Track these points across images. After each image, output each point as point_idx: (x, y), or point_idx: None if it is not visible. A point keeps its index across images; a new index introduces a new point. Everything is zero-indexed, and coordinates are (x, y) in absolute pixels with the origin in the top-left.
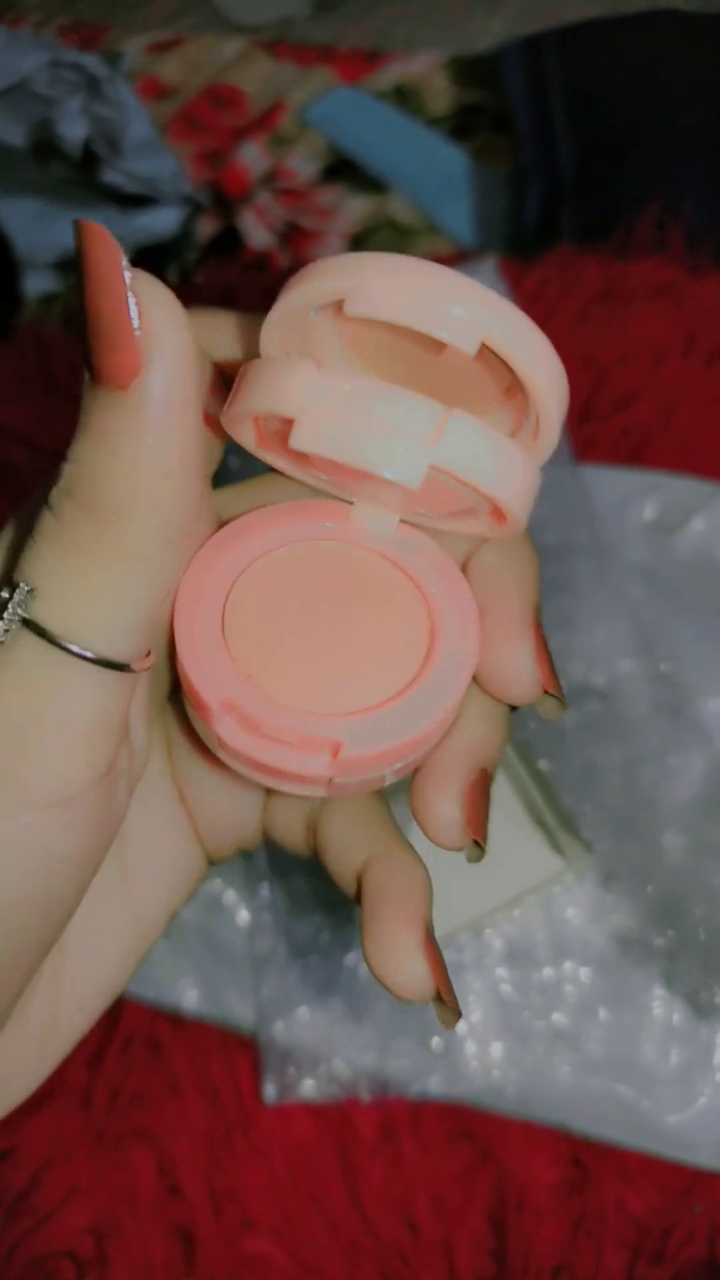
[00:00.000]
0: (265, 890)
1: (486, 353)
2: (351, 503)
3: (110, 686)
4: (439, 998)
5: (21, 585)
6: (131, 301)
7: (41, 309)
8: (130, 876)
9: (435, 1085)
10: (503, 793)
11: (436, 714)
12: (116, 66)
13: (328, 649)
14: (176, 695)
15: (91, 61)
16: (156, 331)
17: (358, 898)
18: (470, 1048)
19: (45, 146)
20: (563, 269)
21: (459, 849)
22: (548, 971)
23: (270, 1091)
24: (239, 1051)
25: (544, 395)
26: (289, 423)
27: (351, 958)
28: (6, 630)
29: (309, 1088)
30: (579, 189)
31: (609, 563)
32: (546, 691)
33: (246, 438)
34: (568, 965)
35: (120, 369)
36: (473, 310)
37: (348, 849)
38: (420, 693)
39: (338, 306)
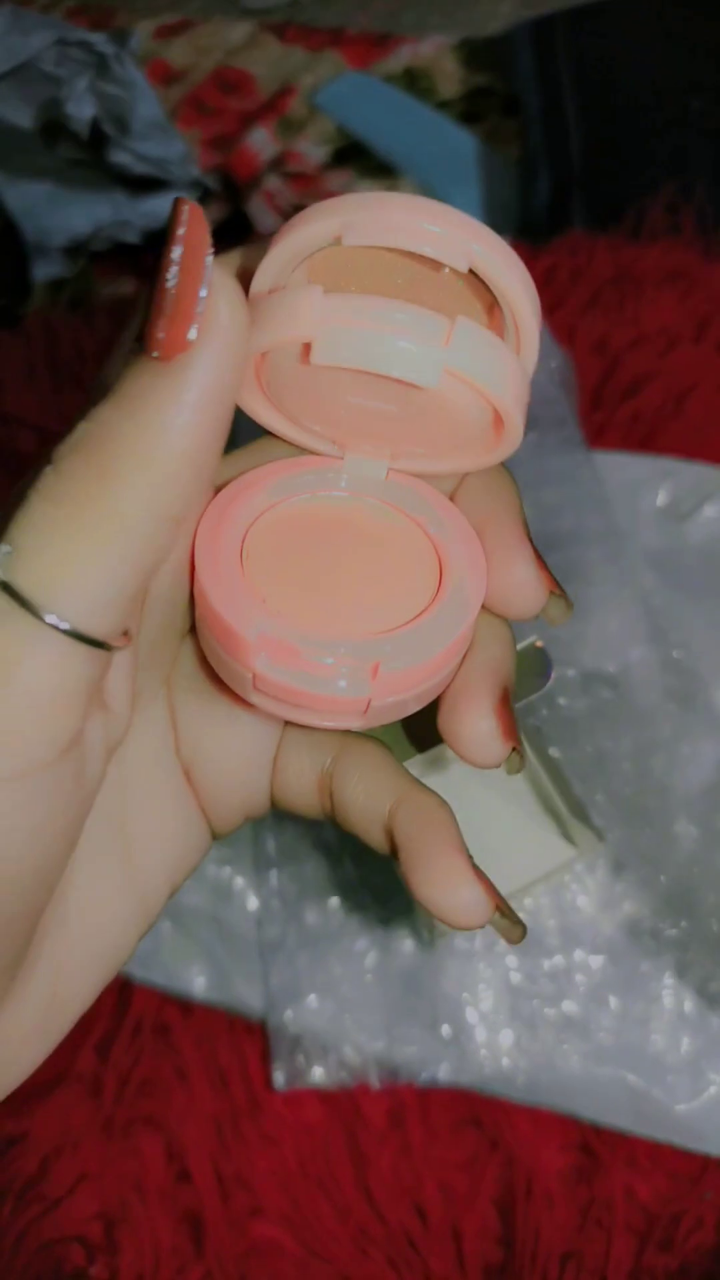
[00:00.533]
0: (274, 877)
1: (467, 278)
2: (341, 456)
3: (82, 661)
4: (500, 913)
5: (3, 545)
6: (205, 282)
7: (50, 294)
8: (131, 851)
9: (445, 1072)
10: (513, 780)
11: (461, 626)
12: (124, 45)
13: (346, 584)
14: (181, 665)
15: (99, 40)
16: (219, 319)
17: (390, 849)
18: (480, 1035)
19: (53, 127)
20: (573, 254)
21: (498, 764)
22: (558, 960)
23: (279, 1078)
24: (247, 1038)
25: (525, 309)
26: (300, 351)
27: (361, 944)
28: None
29: (318, 1074)
30: (589, 172)
31: (620, 549)
32: (552, 593)
33: (247, 395)
34: (578, 954)
35: (172, 341)
36: (459, 231)
37: (370, 800)
38: (441, 611)
39: (323, 252)
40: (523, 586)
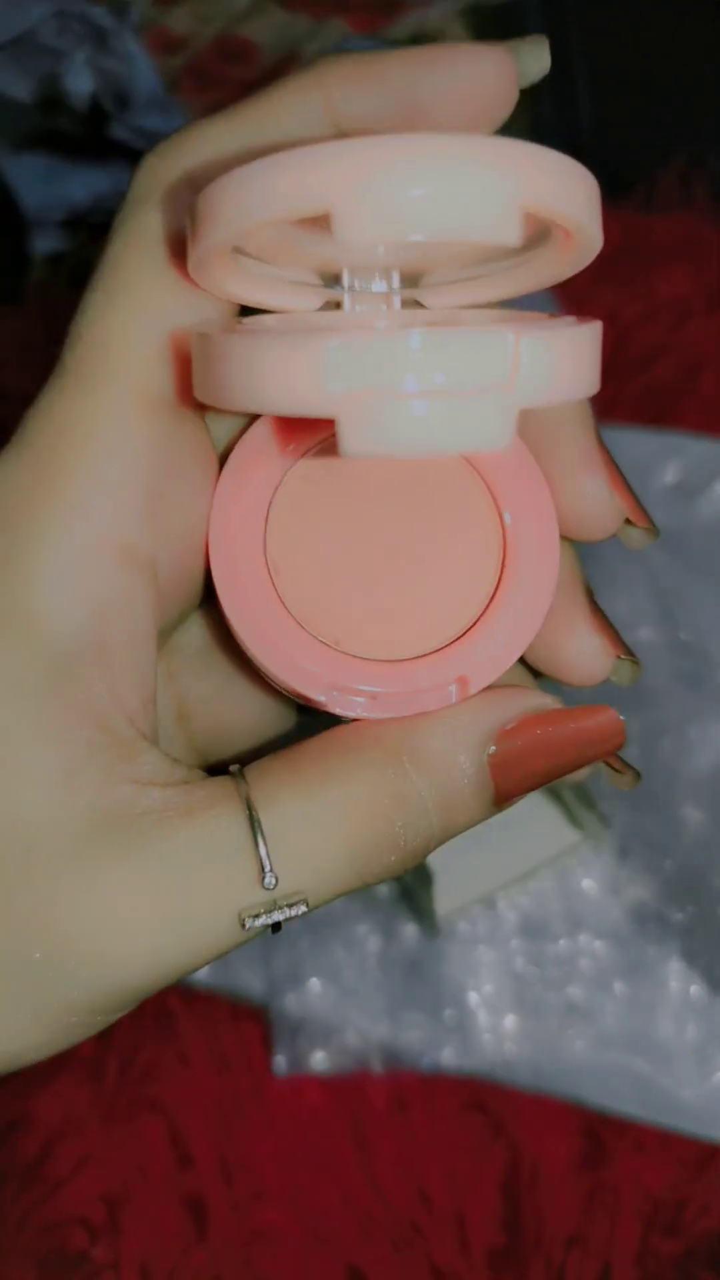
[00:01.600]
0: None
1: None
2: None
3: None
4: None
5: None
6: None
7: (49, 269)
8: None
9: (448, 1058)
10: None
11: (541, 605)
12: (124, 19)
13: (399, 575)
14: (183, 644)
15: (98, 13)
16: None
17: None
18: (483, 1021)
19: (52, 101)
20: None
21: (608, 677)
22: (563, 944)
23: (280, 1063)
24: (250, 1023)
25: (587, 226)
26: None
27: (363, 929)
28: None
29: (320, 1059)
30: (600, 142)
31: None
32: (630, 522)
33: (215, 275)
34: (583, 938)
35: None
36: (502, 191)
37: None
38: (517, 585)
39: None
40: (594, 509)
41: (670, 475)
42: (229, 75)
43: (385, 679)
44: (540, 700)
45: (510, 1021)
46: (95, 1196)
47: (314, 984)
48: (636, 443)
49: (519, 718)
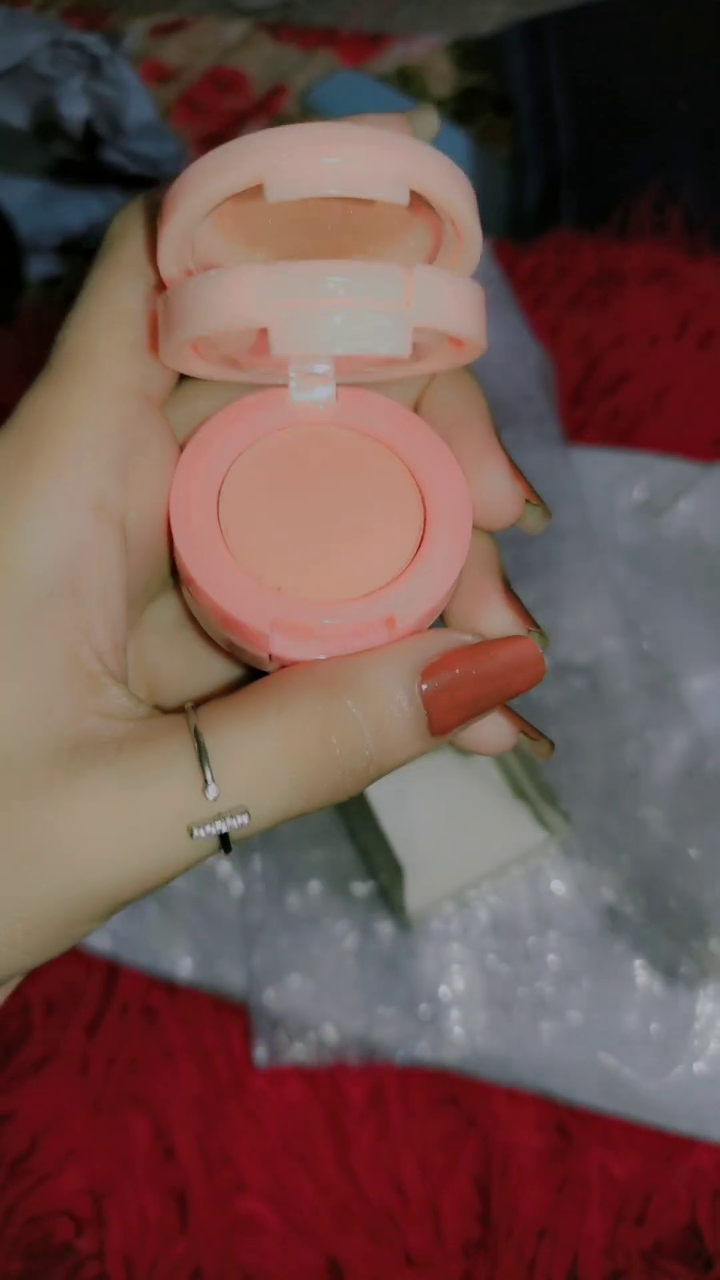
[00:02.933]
0: (257, 862)
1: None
2: (284, 384)
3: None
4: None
5: None
6: None
7: (43, 292)
8: None
9: (421, 1051)
10: (484, 766)
11: (458, 559)
12: (117, 46)
13: (334, 534)
14: (151, 619)
15: (92, 41)
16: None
17: None
18: (455, 1015)
19: (47, 127)
20: (559, 252)
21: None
22: (532, 941)
23: (261, 1055)
24: (231, 1018)
25: (466, 215)
26: (244, 333)
27: (341, 926)
28: None
29: (298, 1051)
30: (578, 172)
31: (595, 544)
32: (528, 501)
33: (184, 362)
34: (552, 936)
35: None
36: (391, 157)
37: None
38: (436, 544)
39: (238, 198)
40: (499, 499)
41: (637, 494)
42: (221, 105)
43: (321, 615)
44: (461, 638)
45: (481, 1016)
46: (80, 1189)
47: (293, 979)
48: (607, 462)
49: (441, 653)
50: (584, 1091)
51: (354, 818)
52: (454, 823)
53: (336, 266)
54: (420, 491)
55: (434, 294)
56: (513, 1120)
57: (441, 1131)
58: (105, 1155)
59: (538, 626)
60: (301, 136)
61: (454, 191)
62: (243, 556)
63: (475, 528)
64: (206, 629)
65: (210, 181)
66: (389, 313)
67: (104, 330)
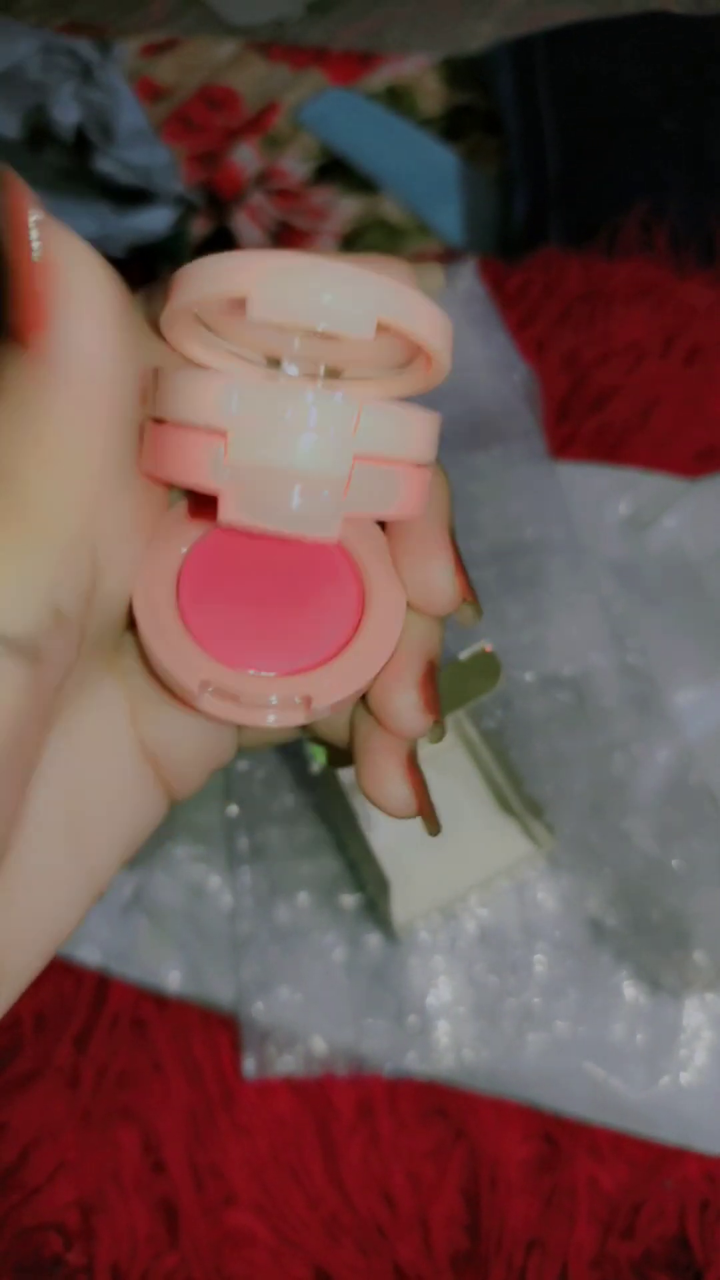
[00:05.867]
0: (247, 874)
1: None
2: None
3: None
4: (420, 812)
5: None
6: (34, 244)
7: None
8: (82, 828)
9: (409, 1062)
10: (470, 779)
11: (384, 654)
12: (108, 53)
13: (276, 615)
14: (128, 650)
15: (84, 48)
16: (73, 291)
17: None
18: (443, 1026)
19: (39, 134)
20: (546, 270)
21: (419, 734)
22: (519, 953)
23: (250, 1066)
24: (221, 1031)
25: (438, 347)
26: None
27: (330, 938)
28: None
29: (287, 1063)
30: (566, 190)
31: (581, 558)
32: (465, 600)
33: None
34: (539, 947)
35: (23, 321)
36: (363, 300)
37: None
38: (367, 637)
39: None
40: (438, 593)
41: (623, 508)
42: (212, 122)
43: (246, 685)
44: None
45: (469, 1028)
46: (70, 1202)
47: (282, 991)
48: (593, 478)
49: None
50: (571, 1102)
51: (341, 830)
52: (444, 834)
53: (294, 393)
54: (361, 591)
55: (381, 425)
56: (501, 1131)
57: (430, 1143)
58: (95, 1168)
59: (439, 723)
60: (288, 268)
61: (424, 324)
62: (192, 618)
63: (414, 611)
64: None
65: (200, 288)
66: (332, 441)
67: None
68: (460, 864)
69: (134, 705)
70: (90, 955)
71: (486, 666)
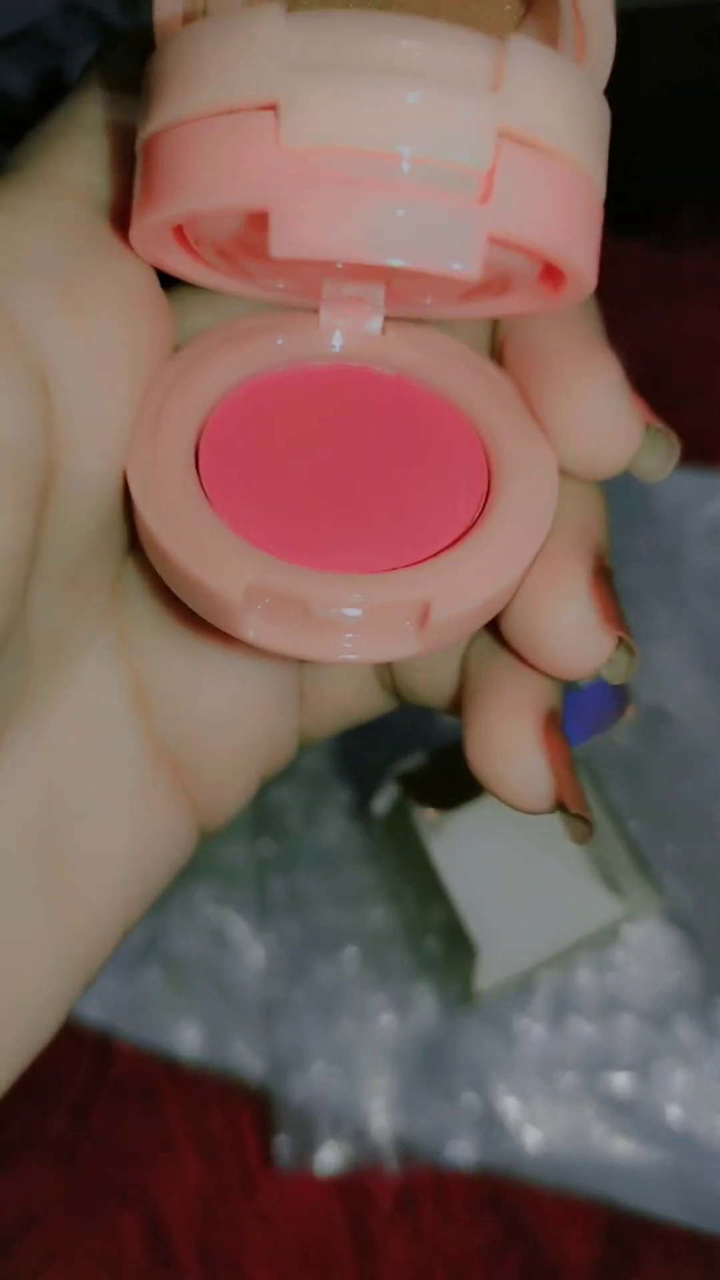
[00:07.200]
0: (282, 923)
1: None
2: (315, 309)
3: None
4: (562, 807)
5: None
6: None
7: None
8: (64, 877)
9: (468, 1151)
10: (554, 827)
11: (530, 542)
12: (134, 18)
13: (354, 492)
14: (129, 592)
15: (110, 10)
16: None
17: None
18: (509, 1109)
19: (51, 99)
20: (606, 263)
21: (592, 666)
22: (600, 1027)
23: (282, 1155)
24: (242, 1104)
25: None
26: (251, 218)
27: (377, 1000)
28: None
29: (327, 1153)
30: (618, 178)
31: (672, 571)
32: (649, 426)
33: (163, 249)
34: (623, 1020)
35: None
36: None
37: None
38: (501, 518)
39: None
40: (608, 423)
41: (710, 516)
42: None
43: (318, 590)
44: None
45: (539, 1111)
46: None
47: (319, 1066)
48: (675, 482)
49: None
50: (653, 1199)
51: (405, 879)
52: (516, 897)
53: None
54: (486, 459)
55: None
56: (562, 1227)
57: (481, 1239)
58: (90, 1259)
59: (629, 640)
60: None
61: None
62: (224, 500)
63: (566, 477)
64: (170, 586)
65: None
66: (462, 225)
67: (55, 138)
68: (550, 924)
69: (140, 678)
70: (91, 1010)
71: (615, 695)
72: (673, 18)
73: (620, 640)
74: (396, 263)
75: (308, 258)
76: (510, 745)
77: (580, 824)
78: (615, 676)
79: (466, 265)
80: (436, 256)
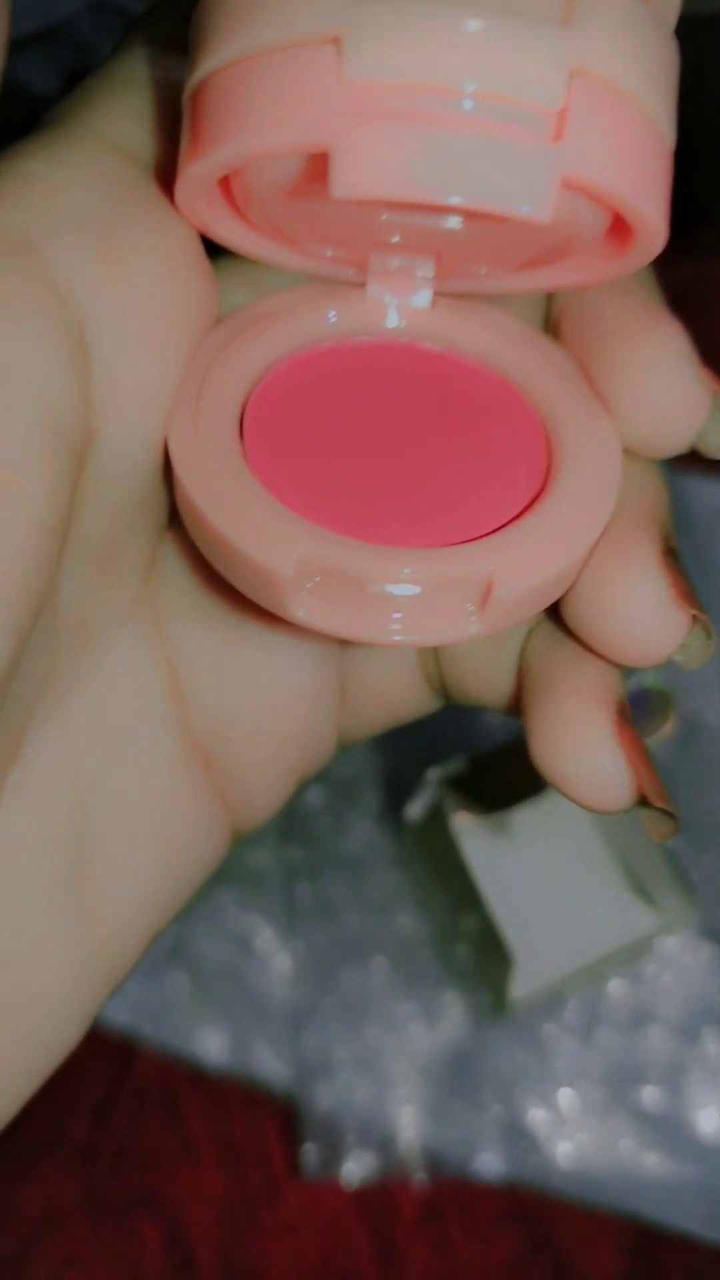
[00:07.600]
0: (310, 930)
1: None
2: (362, 283)
3: None
4: (644, 802)
5: None
6: None
7: None
8: (91, 881)
9: (498, 1163)
10: (587, 835)
11: (595, 519)
12: None
13: (410, 467)
14: (166, 571)
15: (139, 7)
16: None
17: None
18: (541, 1123)
19: None
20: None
21: (665, 649)
22: (634, 1040)
23: (310, 1165)
24: (266, 1112)
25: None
26: (310, 160)
27: (405, 1009)
28: None
29: (355, 1163)
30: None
31: (707, 580)
32: (716, 395)
33: (210, 208)
34: (654, 1032)
35: None
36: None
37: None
38: (564, 494)
39: None
40: (671, 395)
41: None
42: None
43: (372, 565)
44: None
45: (572, 1126)
46: None
47: (346, 1075)
48: (710, 491)
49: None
50: (685, 1215)
51: (438, 887)
52: (565, 903)
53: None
54: (545, 436)
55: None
56: (589, 1242)
57: (507, 1253)
58: (109, 1266)
59: (706, 621)
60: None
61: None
62: (272, 471)
63: (629, 455)
64: (213, 565)
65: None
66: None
67: (99, 94)
68: (586, 935)
69: (175, 666)
70: (116, 1013)
71: (655, 705)
72: (700, 28)
73: (695, 619)
74: (463, 202)
75: (370, 197)
76: (583, 741)
77: (666, 819)
78: (690, 661)
79: (537, 208)
80: (507, 198)
